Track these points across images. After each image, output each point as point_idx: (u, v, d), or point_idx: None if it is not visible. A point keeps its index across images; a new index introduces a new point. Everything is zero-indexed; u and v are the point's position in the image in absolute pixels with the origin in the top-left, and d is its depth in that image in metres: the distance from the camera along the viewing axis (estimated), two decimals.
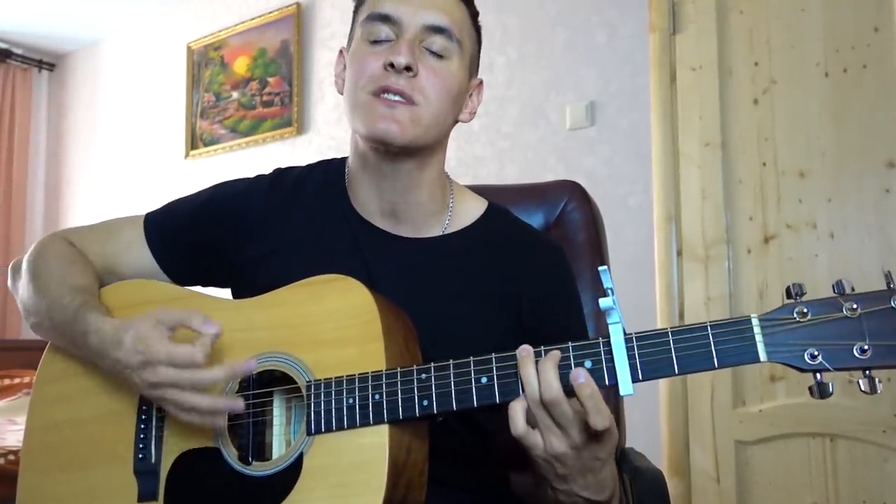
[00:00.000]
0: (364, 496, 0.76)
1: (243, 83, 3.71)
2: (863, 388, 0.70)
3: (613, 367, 0.75)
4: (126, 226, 1.06)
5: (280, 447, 0.88)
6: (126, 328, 0.84)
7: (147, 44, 4.24)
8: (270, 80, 3.60)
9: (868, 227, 1.92)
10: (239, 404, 0.82)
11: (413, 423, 0.82)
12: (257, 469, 0.83)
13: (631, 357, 0.75)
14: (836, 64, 1.99)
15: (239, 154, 3.69)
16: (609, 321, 0.76)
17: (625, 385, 0.74)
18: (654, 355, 0.75)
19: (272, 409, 0.89)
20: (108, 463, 0.90)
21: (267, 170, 1.09)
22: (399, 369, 0.80)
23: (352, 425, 0.80)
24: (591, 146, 2.58)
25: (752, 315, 0.74)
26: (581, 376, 0.73)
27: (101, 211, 4.26)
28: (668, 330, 0.75)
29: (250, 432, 0.86)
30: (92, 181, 4.44)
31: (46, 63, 4.71)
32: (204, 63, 3.89)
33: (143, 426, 0.90)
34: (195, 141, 3.88)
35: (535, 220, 1.28)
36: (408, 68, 0.89)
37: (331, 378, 0.82)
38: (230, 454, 0.85)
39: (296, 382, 0.85)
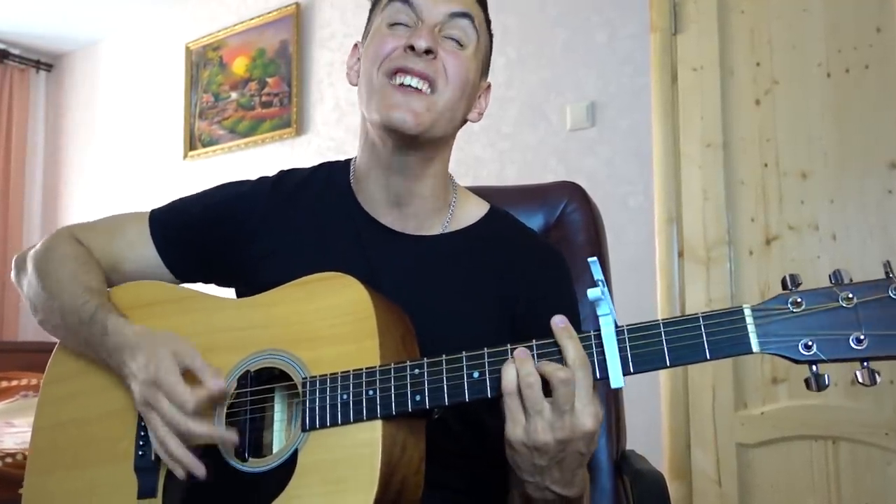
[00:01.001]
0: (357, 491, 0.77)
1: (242, 84, 3.70)
2: (860, 379, 0.68)
3: (604, 360, 0.74)
4: (131, 223, 1.08)
5: (279, 444, 0.89)
6: (146, 343, 0.87)
7: (145, 44, 4.23)
8: (269, 80, 3.59)
9: (870, 227, 1.91)
10: (200, 469, 0.83)
11: (408, 420, 0.82)
12: (253, 465, 0.84)
13: (622, 349, 0.74)
14: (838, 64, 1.98)
15: (238, 155, 3.68)
16: (599, 313, 0.75)
17: (615, 377, 0.73)
18: (645, 347, 0.74)
19: (271, 407, 0.90)
20: (110, 460, 0.92)
21: (265, 170, 1.11)
22: (392, 365, 0.81)
23: (346, 421, 0.81)
24: (591, 147, 2.57)
25: (744, 305, 0.72)
26: (560, 321, 0.75)
27: (100, 212, 4.21)
28: (660, 321, 0.74)
29: (247, 429, 0.87)
30: (90, 182, 4.43)
31: (44, 63, 4.70)
32: (202, 63, 3.88)
33: (143, 424, 0.91)
34: (193, 142, 3.87)
35: (536, 221, 1.28)
36: (428, 51, 0.91)
37: (325, 374, 0.83)
38: (227, 451, 0.86)
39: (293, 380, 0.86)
